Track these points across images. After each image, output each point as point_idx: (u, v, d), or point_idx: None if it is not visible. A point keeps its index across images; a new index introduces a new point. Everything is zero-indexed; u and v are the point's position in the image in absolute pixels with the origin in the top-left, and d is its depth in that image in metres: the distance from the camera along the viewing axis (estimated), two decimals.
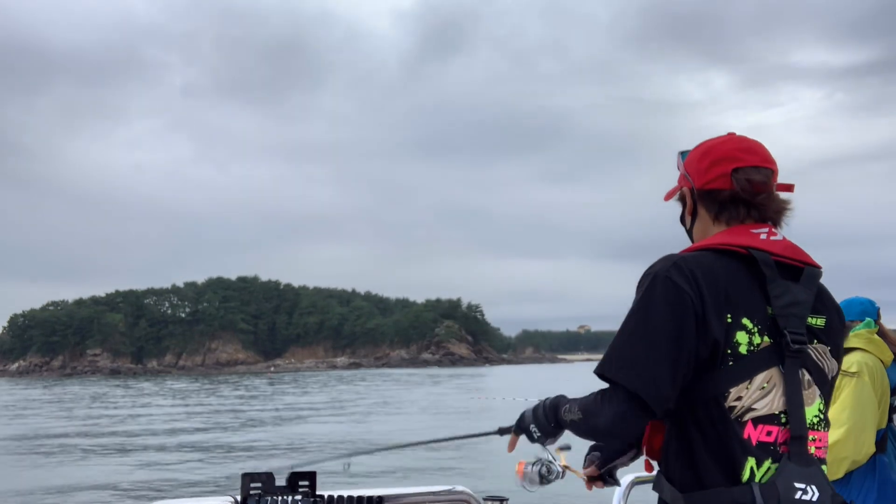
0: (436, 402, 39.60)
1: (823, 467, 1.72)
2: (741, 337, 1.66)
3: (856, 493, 3.24)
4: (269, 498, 2.15)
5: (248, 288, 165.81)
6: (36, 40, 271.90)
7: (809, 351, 1.71)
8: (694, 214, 1.89)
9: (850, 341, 3.35)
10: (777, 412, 1.66)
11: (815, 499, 1.62)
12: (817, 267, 1.79)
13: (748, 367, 1.65)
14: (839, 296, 3.68)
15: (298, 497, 2.19)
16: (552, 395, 1.94)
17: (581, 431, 1.79)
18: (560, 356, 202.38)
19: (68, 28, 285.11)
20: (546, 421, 1.86)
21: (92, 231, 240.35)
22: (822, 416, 1.73)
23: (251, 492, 2.13)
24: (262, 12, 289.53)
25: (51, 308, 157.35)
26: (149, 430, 27.36)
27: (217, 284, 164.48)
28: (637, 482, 2.84)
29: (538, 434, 1.89)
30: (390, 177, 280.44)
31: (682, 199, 1.95)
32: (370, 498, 2.30)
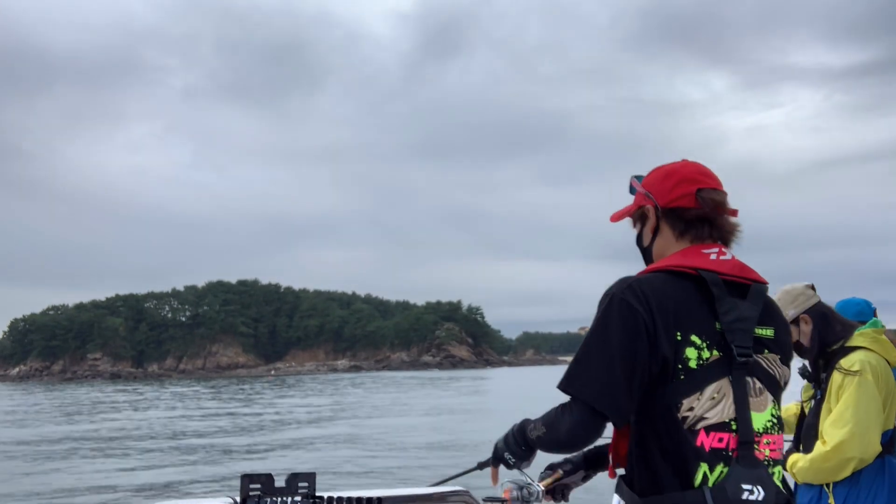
0: (437, 406, 39.59)
1: (778, 468, 1.84)
2: (690, 352, 1.78)
3: (865, 494, 3.22)
4: (269, 499, 2.15)
5: (248, 291, 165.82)
6: (36, 43, 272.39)
7: (760, 360, 1.86)
8: (656, 231, 2.00)
9: (855, 340, 3.34)
10: (728, 420, 1.78)
11: (760, 498, 1.75)
12: (763, 283, 1.93)
13: (698, 379, 1.77)
14: (838, 296, 3.71)
15: (298, 498, 2.19)
16: (521, 418, 2.06)
17: (546, 444, 1.93)
18: (561, 358, 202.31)
19: (68, 31, 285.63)
20: (517, 446, 2.00)
21: (92, 235, 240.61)
22: (774, 420, 1.86)
23: (250, 493, 2.13)
24: (261, 14, 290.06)
25: (51, 312, 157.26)
26: (149, 433, 27.36)
27: (217, 288, 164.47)
28: None
29: (513, 460, 2.03)
30: (390, 179, 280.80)
31: (640, 219, 2.05)
32: (369, 499, 2.30)
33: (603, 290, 1.88)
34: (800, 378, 3.62)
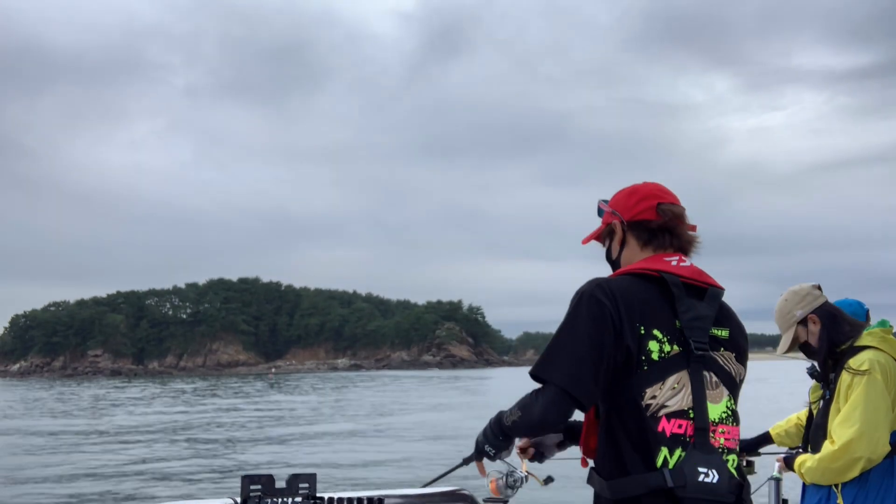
0: (438, 405, 39.58)
1: (732, 457, 2.03)
2: (653, 345, 1.99)
3: (874, 495, 3.20)
4: (269, 500, 2.15)
5: (249, 289, 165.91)
6: (38, 41, 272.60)
7: (717, 357, 2.06)
8: (622, 245, 2.23)
9: (864, 339, 3.32)
10: (686, 408, 1.97)
11: (714, 481, 1.94)
12: (719, 288, 2.14)
13: (660, 370, 1.98)
14: (838, 299, 3.68)
15: (298, 499, 2.19)
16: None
17: (521, 427, 2.09)
18: None
19: (71, 28, 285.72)
20: (495, 437, 2.17)
21: (93, 232, 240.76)
22: (730, 413, 2.05)
23: (251, 493, 2.13)
24: (264, 13, 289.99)
25: (52, 309, 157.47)
26: (149, 432, 27.35)
27: (218, 286, 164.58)
28: None
29: (493, 451, 2.20)
30: (392, 178, 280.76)
31: (609, 235, 2.29)
32: (370, 499, 2.31)
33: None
34: (808, 379, 3.60)
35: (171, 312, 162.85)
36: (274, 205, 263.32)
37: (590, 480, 2.12)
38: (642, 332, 1.99)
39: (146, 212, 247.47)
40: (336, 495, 2.29)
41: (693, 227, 2.24)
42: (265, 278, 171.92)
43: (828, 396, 3.37)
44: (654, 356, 1.99)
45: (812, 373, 3.52)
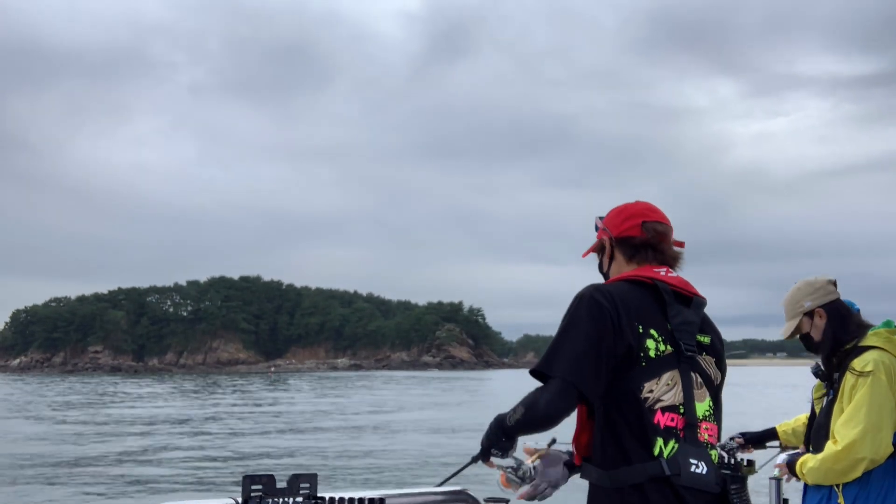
0: (438, 406, 39.57)
1: (714, 452, 2.21)
2: (650, 343, 2.18)
3: (875, 494, 3.19)
4: (271, 500, 2.16)
5: (250, 288, 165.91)
6: (43, 37, 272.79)
7: (700, 360, 2.27)
8: (612, 258, 2.44)
9: (869, 340, 3.30)
10: (678, 403, 2.17)
11: (703, 472, 2.14)
12: (703, 298, 2.35)
13: (656, 367, 2.17)
14: None
15: (299, 499, 2.20)
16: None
17: (526, 424, 2.21)
18: None
19: (75, 25, 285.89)
20: (497, 438, 2.29)
21: (95, 228, 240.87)
22: (711, 411, 2.26)
23: (252, 493, 2.14)
24: (269, 12, 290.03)
25: (53, 304, 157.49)
26: (149, 431, 27.35)
27: (219, 284, 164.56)
28: None
29: (498, 452, 2.33)
30: (394, 179, 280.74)
31: (601, 251, 2.50)
32: (371, 499, 2.32)
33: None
34: (812, 378, 3.58)
35: (171, 310, 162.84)
36: (276, 204, 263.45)
37: (584, 474, 2.28)
38: (640, 330, 2.17)
39: (148, 209, 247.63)
40: (337, 495, 2.30)
41: (680, 244, 2.43)
42: (266, 277, 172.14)
43: (831, 396, 3.35)
44: (651, 353, 2.17)
45: (816, 372, 3.50)
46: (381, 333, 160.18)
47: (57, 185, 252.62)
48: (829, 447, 3.22)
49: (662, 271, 2.31)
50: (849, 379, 3.24)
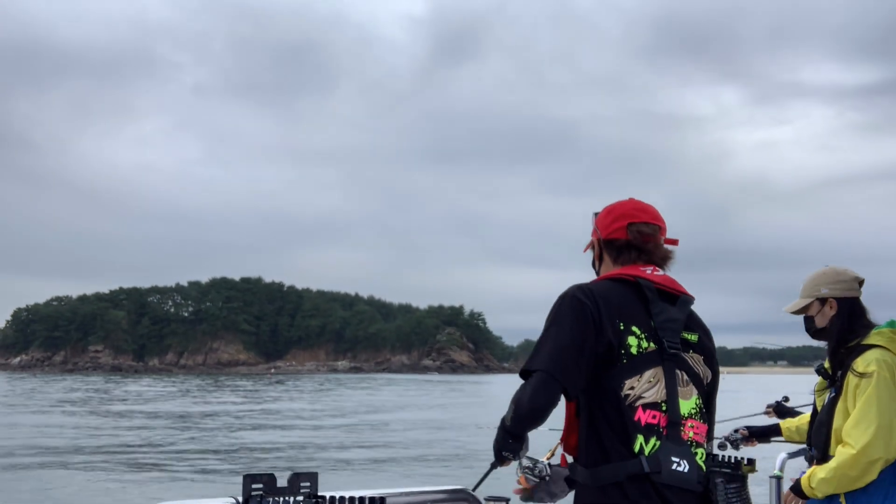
0: (438, 406, 39.55)
1: (700, 450, 2.22)
2: (632, 340, 2.19)
3: (877, 496, 3.18)
4: (271, 499, 2.17)
5: (251, 289, 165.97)
6: (48, 37, 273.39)
7: (687, 358, 2.27)
8: (601, 259, 2.47)
9: (871, 338, 3.29)
10: (660, 401, 2.17)
11: (685, 470, 2.14)
12: (689, 296, 2.35)
13: (638, 364, 2.17)
14: None
15: (300, 498, 2.21)
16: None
17: (516, 421, 2.21)
18: None
19: (80, 24, 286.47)
20: (504, 441, 2.29)
21: (98, 228, 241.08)
22: (698, 409, 2.25)
23: (252, 492, 2.14)
24: (275, 14, 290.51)
25: (54, 303, 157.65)
26: (149, 430, 27.36)
27: (221, 285, 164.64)
28: None
29: (510, 454, 2.33)
30: (397, 182, 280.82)
31: (593, 249, 2.54)
32: (372, 498, 2.32)
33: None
34: (815, 375, 3.56)
35: (172, 310, 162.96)
36: (279, 205, 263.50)
37: (572, 473, 2.30)
38: (622, 327, 2.19)
39: (151, 209, 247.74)
40: (338, 494, 2.30)
41: (673, 241, 2.44)
42: (268, 278, 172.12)
43: (833, 394, 3.34)
44: (633, 350, 2.18)
45: (819, 370, 3.49)
46: (382, 336, 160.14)
47: (61, 185, 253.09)
48: (844, 452, 3.16)
49: (648, 269, 2.32)
50: (851, 380, 3.22)
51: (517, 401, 2.21)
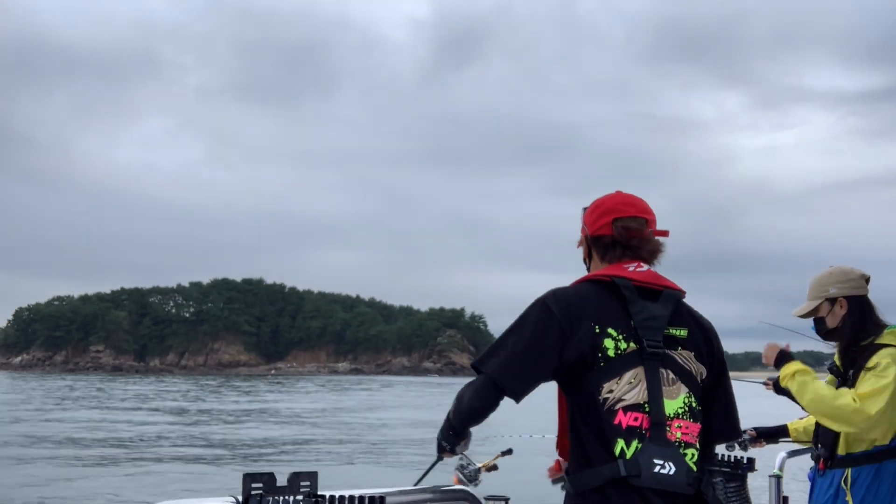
0: (438, 407, 39.59)
1: (690, 451, 2.11)
2: (608, 343, 2.12)
3: (884, 493, 3.20)
4: (271, 498, 2.16)
5: (252, 290, 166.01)
6: (52, 37, 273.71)
7: (674, 356, 2.18)
8: (590, 256, 2.42)
9: (885, 337, 3.30)
10: (642, 402, 2.09)
11: (671, 472, 2.04)
12: (676, 289, 2.26)
13: (616, 366, 2.10)
14: None
15: (300, 497, 2.20)
16: None
17: (456, 415, 2.29)
18: None
19: (85, 25, 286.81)
20: (445, 432, 2.39)
21: (100, 228, 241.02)
22: (686, 408, 2.14)
23: (252, 492, 2.14)
24: (279, 16, 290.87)
25: (56, 303, 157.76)
26: (150, 430, 27.33)
27: (222, 285, 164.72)
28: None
29: (447, 446, 2.42)
30: (399, 184, 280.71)
31: (582, 245, 2.49)
32: (371, 498, 2.31)
33: None
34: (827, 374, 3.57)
35: (174, 311, 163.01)
36: (280, 207, 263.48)
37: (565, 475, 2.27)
38: (597, 330, 2.12)
39: (154, 209, 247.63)
40: (337, 493, 2.30)
41: (663, 233, 2.37)
42: (269, 279, 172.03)
43: None
44: (611, 353, 2.11)
45: (831, 368, 3.49)
46: (383, 338, 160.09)
47: (63, 185, 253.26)
48: (847, 396, 3.15)
49: (632, 266, 2.26)
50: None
51: (459, 397, 2.26)
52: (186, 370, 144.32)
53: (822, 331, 3.48)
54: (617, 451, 2.04)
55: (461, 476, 2.58)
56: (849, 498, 3.25)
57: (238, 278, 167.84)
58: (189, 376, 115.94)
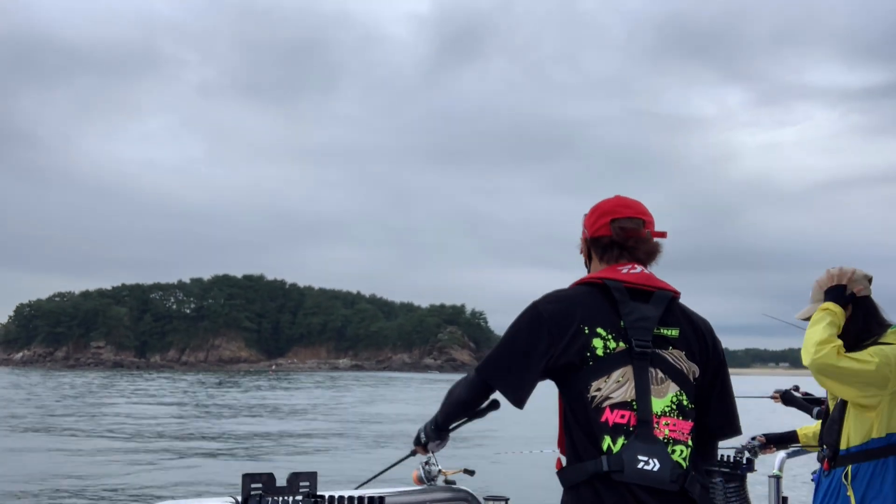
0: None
1: (679, 447, 2.15)
2: (597, 343, 2.18)
3: (889, 489, 3.18)
4: (270, 498, 2.17)
5: (253, 286, 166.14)
6: (54, 33, 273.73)
7: (665, 355, 2.22)
8: (589, 259, 2.48)
9: (888, 337, 3.29)
10: (629, 400, 2.14)
11: (655, 469, 2.07)
12: (668, 290, 2.30)
13: (605, 365, 2.16)
14: None
15: (299, 497, 2.21)
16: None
17: (449, 410, 2.47)
18: None
19: (87, 23, 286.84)
20: (428, 426, 2.55)
21: (101, 224, 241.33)
22: (675, 406, 2.18)
23: (252, 492, 2.15)
24: (279, 13, 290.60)
25: (57, 299, 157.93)
26: (149, 429, 27.32)
27: (223, 282, 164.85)
28: None
29: (425, 439, 2.57)
30: (400, 181, 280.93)
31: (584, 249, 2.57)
32: (371, 498, 2.33)
33: None
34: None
35: (174, 307, 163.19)
36: (281, 203, 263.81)
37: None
38: (586, 331, 2.18)
39: (155, 206, 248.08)
40: (337, 493, 2.31)
41: (661, 234, 2.42)
42: (270, 276, 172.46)
43: None
44: (599, 352, 2.17)
45: (819, 413, 3.51)
46: (383, 335, 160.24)
47: (64, 181, 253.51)
48: (835, 349, 3.14)
49: (626, 268, 2.31)
50: None
51: (451, 391, 2.43)
52: (187, 366, 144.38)
53: None
54: (604, 447, 2.09)
55: (421, 472, 2.63)
56: (850, 493, 3.24)
57: (239, 274, 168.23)
58: (189, 372, 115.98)
